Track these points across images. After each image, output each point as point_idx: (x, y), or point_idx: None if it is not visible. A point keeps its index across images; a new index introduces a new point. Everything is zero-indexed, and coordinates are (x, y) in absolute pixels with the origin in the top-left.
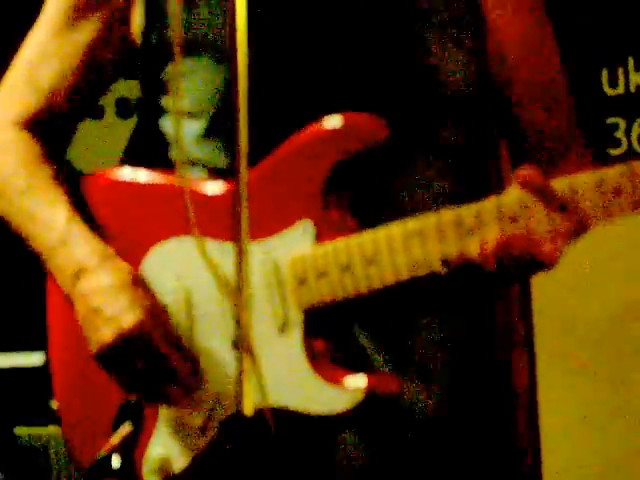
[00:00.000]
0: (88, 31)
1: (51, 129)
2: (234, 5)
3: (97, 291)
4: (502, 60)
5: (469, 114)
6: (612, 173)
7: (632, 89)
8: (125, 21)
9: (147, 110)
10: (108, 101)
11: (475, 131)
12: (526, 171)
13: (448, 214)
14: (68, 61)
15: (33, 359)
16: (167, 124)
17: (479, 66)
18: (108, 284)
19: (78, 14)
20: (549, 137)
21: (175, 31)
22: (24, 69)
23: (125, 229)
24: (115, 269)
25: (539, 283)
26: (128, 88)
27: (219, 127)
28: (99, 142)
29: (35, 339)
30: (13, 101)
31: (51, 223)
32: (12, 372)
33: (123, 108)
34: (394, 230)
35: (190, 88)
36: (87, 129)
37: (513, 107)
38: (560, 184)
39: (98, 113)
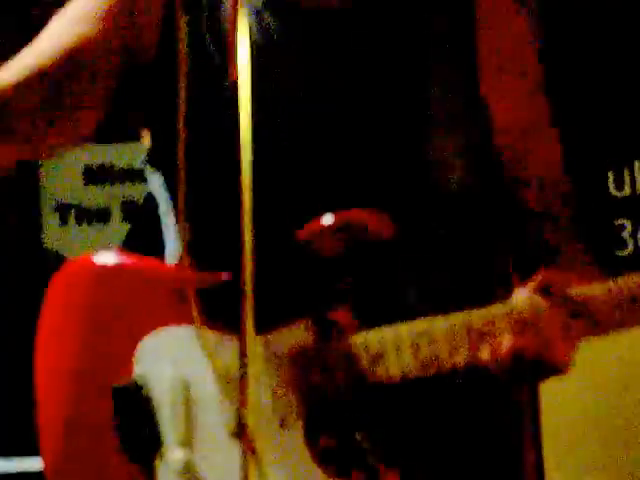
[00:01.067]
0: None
1: None
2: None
3: None
4: (504, 153)
5: (470, 211)
6: (628, 282)
7: (638, 191)
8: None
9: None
10: (114, 204)
11: (475, 227)
12: (545, 277)
13: (459, 318)
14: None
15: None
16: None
17: (481, 161)
18: None
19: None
20: (550, 235)
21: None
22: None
23: (116, 314)
24: None
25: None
26: (134, 190)
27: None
28: (105, 246)
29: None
30: None
31: None
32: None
33: (129, 212)
34: (402, 330)
35: None
36: (93, 232)
37: (515, 202)
38: (576, 291)
39: (104, 217)
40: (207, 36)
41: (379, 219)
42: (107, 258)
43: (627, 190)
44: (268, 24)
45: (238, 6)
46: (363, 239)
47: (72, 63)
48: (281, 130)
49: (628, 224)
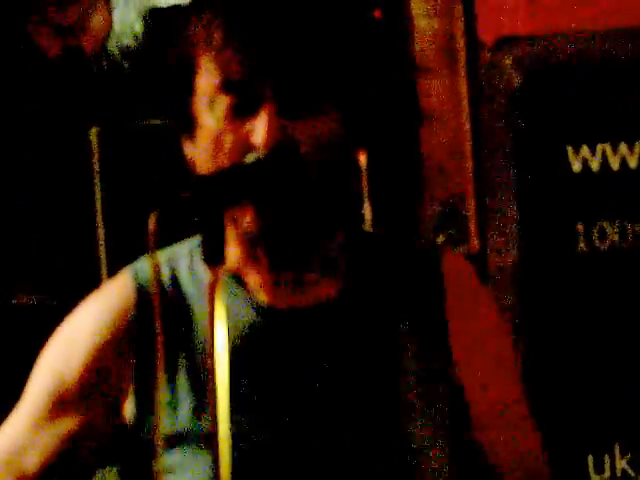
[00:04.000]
0: (71, 423)
1: None
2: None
3: None
4: (481, 441)
5: None
6: None
7: (618, 474)
8: (116, 409)
9: None
10: None
11: None
12: None
13: None
14: (48, 451)
15: None
16: None
17: (457, 448)
18: None
19: (61, 407)
20: None
21: (158, 428)
22: (1, 459)
23: None
24: None
25: None
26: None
27: None
28: None
29: None
30: None
31: None
32: None
33: None
34: None
35: None
36: None
37: None
38: None
39: None
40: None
41: None
42: None
43: (607, 473)
44: (244, 322)
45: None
46: None
47: None
48: (255, 425)
49: None
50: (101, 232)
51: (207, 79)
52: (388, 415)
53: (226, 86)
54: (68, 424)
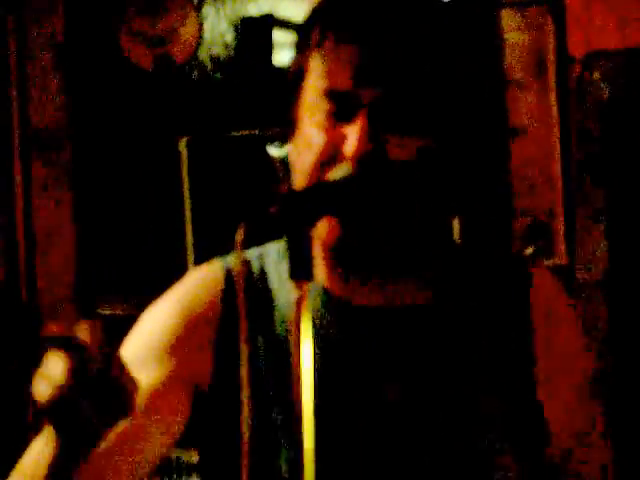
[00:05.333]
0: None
1: None
2: None
3: None
4: (557, 462)
5: None
6: None
7: None
8: (194, 399)
9: None
10: None
11: None
12: None
13: None
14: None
15: None
16: None
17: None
18: None
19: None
20: None
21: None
22: None
23: None
24: None
25: None
26: None
27: None
28: None
29: None
30: None
31: None
32: None
33: None
34: None
35: None
36: None
37: None
38: None
39: None
40: (261, 352)
41: None
42: None
43: None
44: (327, 324)
45: (302, 310)
46: None
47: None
48: (343, 437)
49: None
50: (190, 241)
51: (313, 84)
52: (467, 427)
53: (331, 93)
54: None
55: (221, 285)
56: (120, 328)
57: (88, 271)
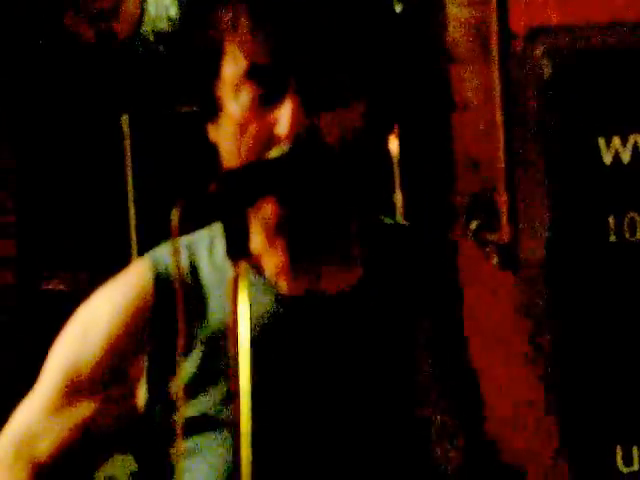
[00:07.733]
0: (86, 409)
1: None
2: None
3: None
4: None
5: None
6: None
7: None
8: (130, 396)
9: None
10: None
11: None
12: None
13: None
14: (61, 438)
15: None
16: None
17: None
18: None
19: (76, 392)
20: None
21: (179, 414)
22: (14, 444)
23: None
24: None
25: None
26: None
27: None
28: None
29: None
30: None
31: None
32: None
33: None
34: None
35: (195, 468)
36: None
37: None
38: None
39: None
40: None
41: None
42: None
43: (636, 466)
44: (262, 310)
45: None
46: None
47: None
48: (284, 404)
49: None
50: (132, 218)
51: (233, 65)
52: (403, 403)
53: (251, 72)
54: (82, 410)
55: (151, 288)
56: (64, 303)
57: (30, 247)
